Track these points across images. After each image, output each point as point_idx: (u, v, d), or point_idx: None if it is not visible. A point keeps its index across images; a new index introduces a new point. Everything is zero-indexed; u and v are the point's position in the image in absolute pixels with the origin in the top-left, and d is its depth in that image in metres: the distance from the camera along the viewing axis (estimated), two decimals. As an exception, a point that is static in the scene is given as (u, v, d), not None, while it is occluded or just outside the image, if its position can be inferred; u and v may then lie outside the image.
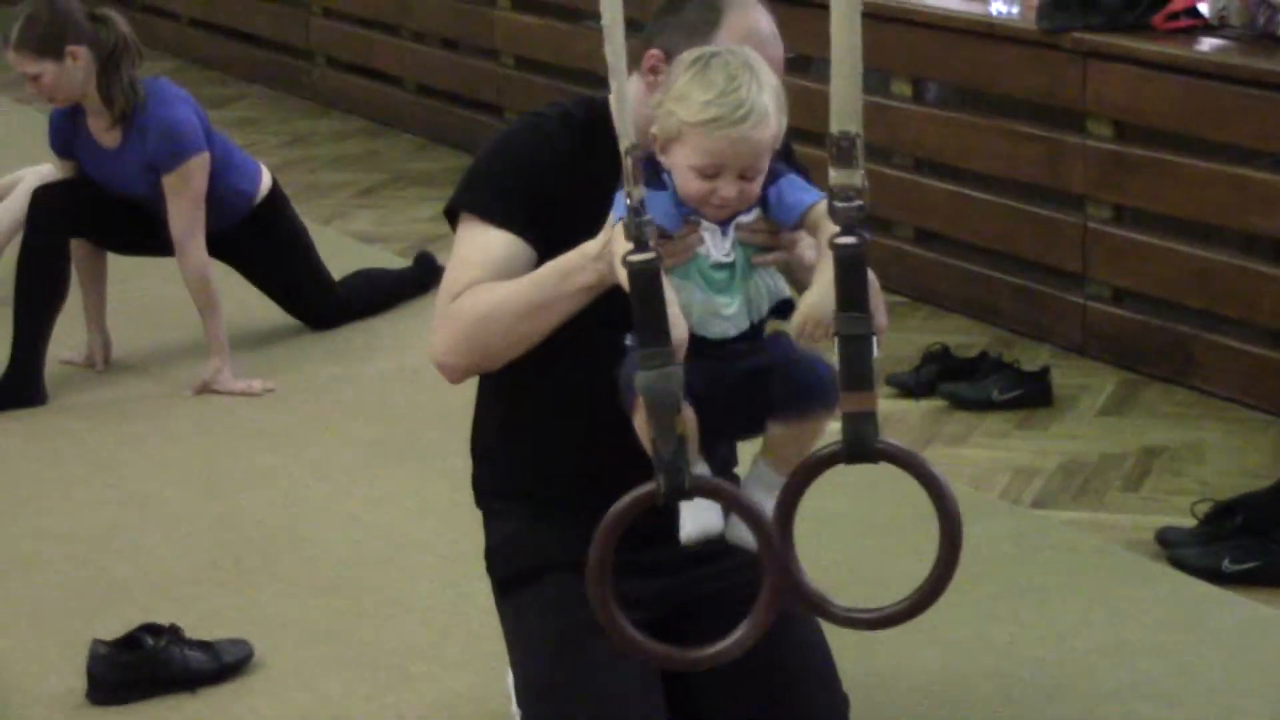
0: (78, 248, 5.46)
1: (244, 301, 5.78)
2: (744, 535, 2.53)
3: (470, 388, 3.09)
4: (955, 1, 5.86)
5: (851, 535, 4.26)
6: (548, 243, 2.81)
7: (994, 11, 5.63)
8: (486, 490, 3.14)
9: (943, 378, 5.18)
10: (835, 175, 2.27)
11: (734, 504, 2.46)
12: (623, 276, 2.39)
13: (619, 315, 2.48)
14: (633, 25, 2.42)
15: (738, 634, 2.45)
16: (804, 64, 5.87)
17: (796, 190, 2.69)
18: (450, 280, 2.86)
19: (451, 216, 2.94)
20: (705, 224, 2.65)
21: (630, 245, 2.33)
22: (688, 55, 2.65)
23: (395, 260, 6.42)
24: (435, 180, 7.57)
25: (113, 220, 5.48)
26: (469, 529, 3.24)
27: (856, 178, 2.26)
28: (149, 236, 5.45)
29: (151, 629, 3.74)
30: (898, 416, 5.01)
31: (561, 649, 2.91)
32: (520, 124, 2.98)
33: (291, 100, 9.20)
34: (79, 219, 5.43)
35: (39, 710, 3.67)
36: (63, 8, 5.26)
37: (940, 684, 3.66)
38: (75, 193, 5.45)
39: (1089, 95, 5.31)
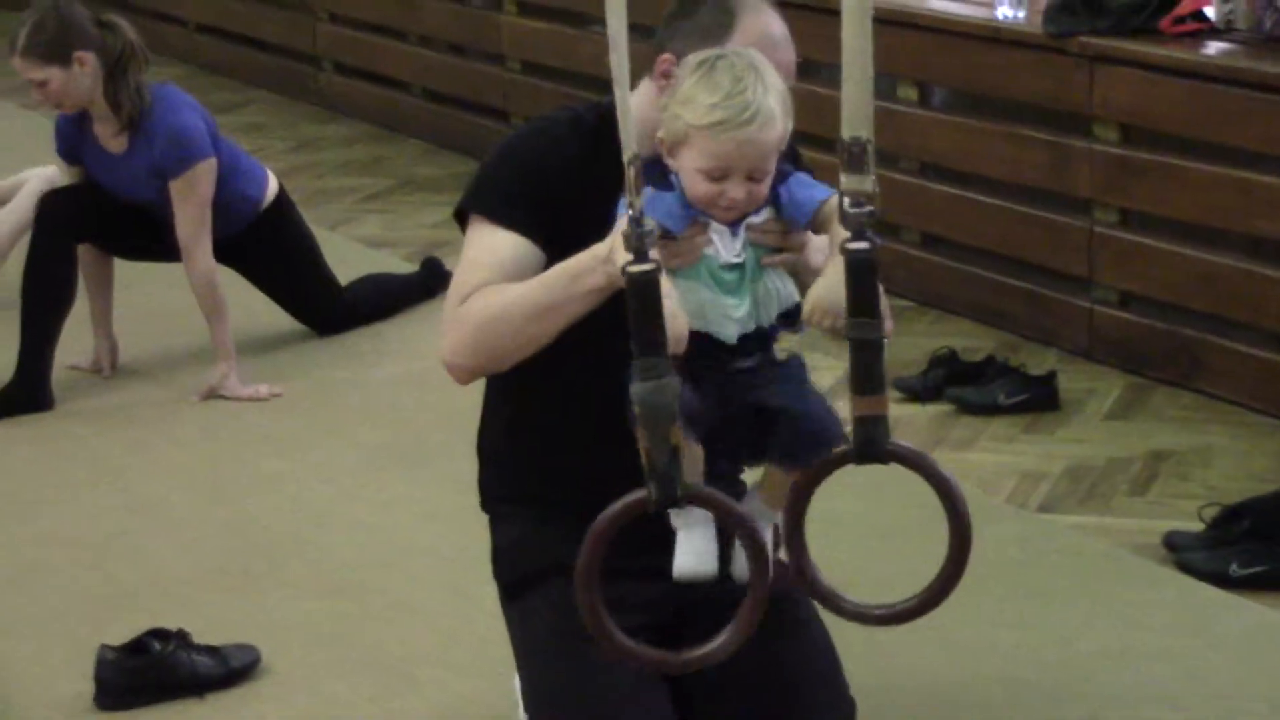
0: (84, 253, 5.46)
1: (250, 307, 5.78)
2: (744, 570, 2.53)
3: (477, 392, 3.09)
4: (961, 6, 5.85)
5: (860, 536, 4.26)
6: (556, 246, 2.80)
7: (1000, 16, 5.61)
8: (492, 493, 3.13)
9: (949, 382, 5.17)
10: (847, 181, 2.26)
11: (727, 513, 2.43)
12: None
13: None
14: (641, 30, 2.41)
15: (721, 638, 2.44)
16: (813, 69, 5.86)
17: (806, 187, 2.69)
18: (459, 282, 2.86)
19: (460, 219, 2.94)
20: (715, 225, 2.65)
21: (630, 256, 2.32)
22: (693, 58, 2.65)
23: (402, 265, 6.42)
24: (442, 185, 7.57)
25: (119, 226, 5.48)
26: (476, 533, 3.23)
27: (868, 183, 2.26)
28: (156, 242, 5.46)
29: (159, 634, 3.75)
30: (905, 420, 5.00)
31: (568, 652, 2.90)
32: (530, 127, 2.98)
33: (298, 106, 9.19)
34: (86, 224, 5.43)
35: (47, 715, 3.67)
36: (69, 14, 5.26)
37: (946, 687, 3.66)
38: (82, 198, 5.45)
39: (1095, 99, 5.31)
